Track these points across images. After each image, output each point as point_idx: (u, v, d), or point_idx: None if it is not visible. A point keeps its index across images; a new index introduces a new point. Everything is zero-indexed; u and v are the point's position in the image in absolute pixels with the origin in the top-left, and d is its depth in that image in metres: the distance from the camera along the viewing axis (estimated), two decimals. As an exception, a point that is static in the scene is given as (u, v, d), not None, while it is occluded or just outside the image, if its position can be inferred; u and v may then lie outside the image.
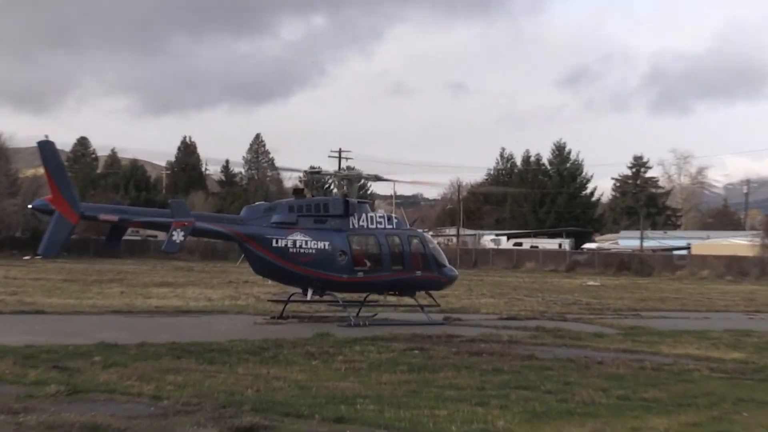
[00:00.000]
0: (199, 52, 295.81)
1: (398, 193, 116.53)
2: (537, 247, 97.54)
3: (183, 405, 12.39)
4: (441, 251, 29.41)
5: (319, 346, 19.53)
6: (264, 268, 27.10)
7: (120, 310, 28.01)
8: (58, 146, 25.07)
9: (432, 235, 63.72)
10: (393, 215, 29.95)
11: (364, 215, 27.49)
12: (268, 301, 31.34)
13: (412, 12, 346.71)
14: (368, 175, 30.56)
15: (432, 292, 28.76)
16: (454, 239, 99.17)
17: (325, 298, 27.54)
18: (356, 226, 27.21)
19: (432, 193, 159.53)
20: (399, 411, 12.47)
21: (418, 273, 27.53)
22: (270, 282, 32.28)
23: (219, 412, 12.05)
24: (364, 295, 28.18)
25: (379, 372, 16.04)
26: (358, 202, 28.18)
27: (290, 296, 28.07)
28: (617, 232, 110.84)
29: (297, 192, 28.66)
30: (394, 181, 33.89)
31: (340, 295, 27.26)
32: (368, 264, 27.06)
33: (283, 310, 27.41)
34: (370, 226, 27.49)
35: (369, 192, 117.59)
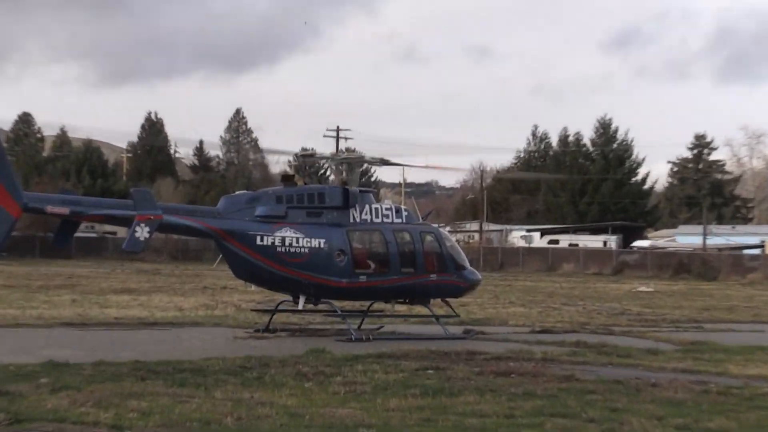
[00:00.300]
0: (167, 10, 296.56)
1: (408, 181, 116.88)
2: (577, 245, 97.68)
3: (148, 436, 12.43)
4: (460, 250, 29.48)
5: (313, 364, 19.60)
6: (246, 271, 27.16)
7: (72, 322, 28.14)
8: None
9: (449, 231, 63.89)
10: (402, 207, 30.00)
11: (367, 207, 27.54)
12: (251, 310, 31.46)
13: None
14: (372, 158, 30.58)
15: (450, 299, 28.80)
16: (477, 236, 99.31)
17: (321, 307, 27.61)
18: (358, 220, 27.27)
19: (449, 180, 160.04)
20: (410, 443, 12.50)
21: (433, 277, 27.58)
22: (253, 288, 32.33)
23: (192, 444, 12.08)
24: (368, 303, 28.26)
25: (386, 396, 16.10)
26: (360, 191, 28.22)
27: (278, 305, 28.16)
28: (675, 227, 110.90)
29: (286, 179, 28.73)
30: (403, 165, 33.90)
31: (338, 304, 27.32)
32: (372, 266, 27.11)
33: (270, 321, 27.50)
34: (374, 219, 27.54)
35: (373, 179, 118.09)
